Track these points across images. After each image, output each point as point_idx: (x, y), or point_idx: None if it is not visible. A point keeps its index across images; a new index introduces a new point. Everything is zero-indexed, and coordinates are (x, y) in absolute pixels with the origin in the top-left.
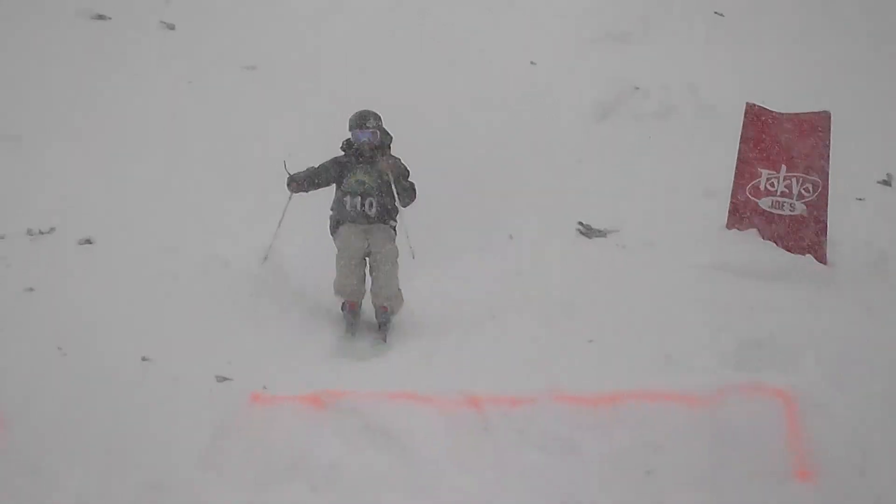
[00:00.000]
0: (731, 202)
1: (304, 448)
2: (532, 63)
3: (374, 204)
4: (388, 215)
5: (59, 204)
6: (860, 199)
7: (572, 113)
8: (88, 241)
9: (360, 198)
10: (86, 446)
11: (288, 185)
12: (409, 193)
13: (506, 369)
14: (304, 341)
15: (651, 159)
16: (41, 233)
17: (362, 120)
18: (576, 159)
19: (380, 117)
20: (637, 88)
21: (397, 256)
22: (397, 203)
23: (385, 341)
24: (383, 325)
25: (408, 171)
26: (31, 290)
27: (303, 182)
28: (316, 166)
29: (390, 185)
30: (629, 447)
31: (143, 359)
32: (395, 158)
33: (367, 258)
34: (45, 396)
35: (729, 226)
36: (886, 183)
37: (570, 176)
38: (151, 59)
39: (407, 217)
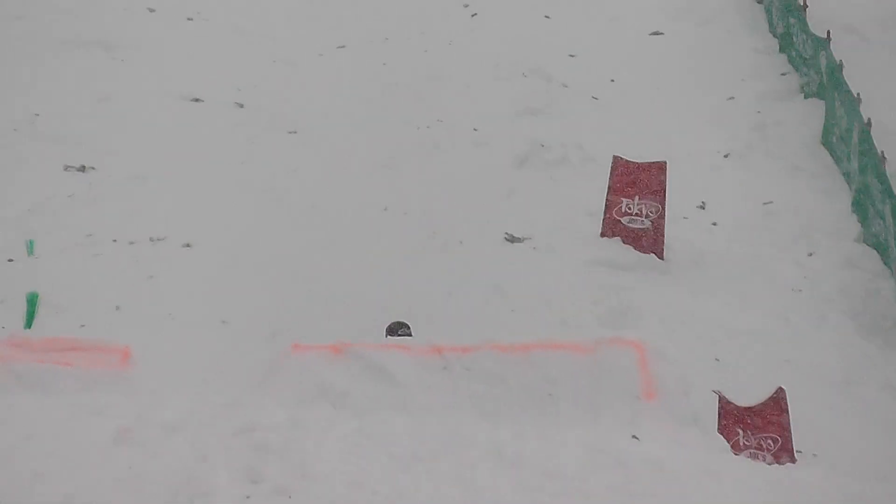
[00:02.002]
0: (603, 220)
1: (327, 380)
2: (474, 130)
3: None
4: None
5: (168, 220)
6: (686, 218)
7: (502, 162)
8: (188, 245)
9: None
10: (185, 377)
11: None
12: None
13: (459, 328)
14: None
15: (551, 192)
16: (158, 239)
17: (398, 327)
18: (504, 193)
19: (408, 325)
20: (543, 146)
21: None
22: None
23: None
24: None
25: None
26: (151, 277)
27: None
28: None
29: None
30: (537, 379)
31: (223, 322)
32: None
33: None
34: (161, 343)
35: (602, 235)
36: (702, 207)
37: (500, 203)
38: (227, 128)
39: None
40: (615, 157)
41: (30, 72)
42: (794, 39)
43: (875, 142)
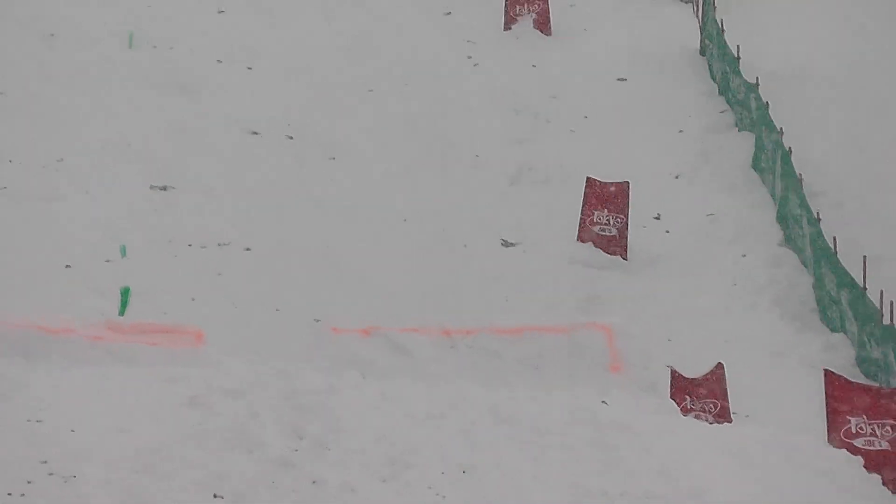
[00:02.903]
0: (579, 228)
1: (357, 355)
2: (476, 156)
3: None
4: None
5: (233, 228)
6: (644, 226)
7: (498, 180)
8: (248, 249)
9: None
10: (244, 353)
11: None
12: None
13: (464, 314)
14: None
15: (538, 205)
16: (225, 244)
17: None
18: (500, 205)
19: None
20: (530, 168)
21: None
22: None
23: None
24: None
25: None
26: (220, 274)
27: None
28: None
29: None
30: (526, 354)
31: (277, 309)
32: None
33: None
34: (226, 327)
35: (578, 240)
36: (657, 218)
37: (496, 212)
38: (279, 155)
39: None
40: (588, 178)
41: (123, 108)
42: (730, 84)
43: (794, 166)
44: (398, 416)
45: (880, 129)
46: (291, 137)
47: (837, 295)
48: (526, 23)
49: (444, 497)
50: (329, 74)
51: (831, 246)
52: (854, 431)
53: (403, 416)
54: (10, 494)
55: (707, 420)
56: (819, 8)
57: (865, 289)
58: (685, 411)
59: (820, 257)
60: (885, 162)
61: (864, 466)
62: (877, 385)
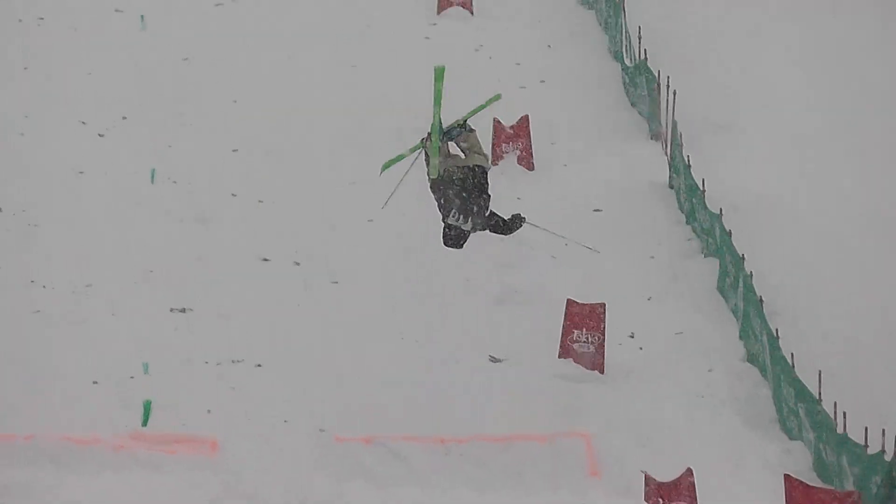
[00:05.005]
0: (560, 344)
1: (361, 463)
2: (466, 280)
3: None
4: None
5: (245, 346)
6: (620, 344)
7: (486, 302)
8: (260, 365)
9: None
10: (257, 461)
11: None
12: None
13: (456, 424)
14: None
15: (522, 325)
16: (238, 361)
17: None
18: (487, 325)
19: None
20: (516, 291)
21: None
22: None
23: None
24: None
25: None
26: (233, 388)
27: None
28: None
29: None
30: (512, 461)
31: (285, 421)
32: None
33: None
34: (240, 437)
35: (559, 356)
36: (631, 336)
37: (484, 331)
38: (287, 280)
39: None
40: (568, 300)
41: (146, 238)
42: (696, 215)
43: (755, 288)
44: None
45: (829, 255)
46: (298, 263)
47: (795, 406)
48: (511, 159)
49: None
50: (332, 206)
51: (789, 361)
52: None
53: None
54: None
55: None
56: (773, 148)
57: (821, 400)
58: None
59: (779, 371)
60: (834, 285)
61: None
62: (832, 488)
